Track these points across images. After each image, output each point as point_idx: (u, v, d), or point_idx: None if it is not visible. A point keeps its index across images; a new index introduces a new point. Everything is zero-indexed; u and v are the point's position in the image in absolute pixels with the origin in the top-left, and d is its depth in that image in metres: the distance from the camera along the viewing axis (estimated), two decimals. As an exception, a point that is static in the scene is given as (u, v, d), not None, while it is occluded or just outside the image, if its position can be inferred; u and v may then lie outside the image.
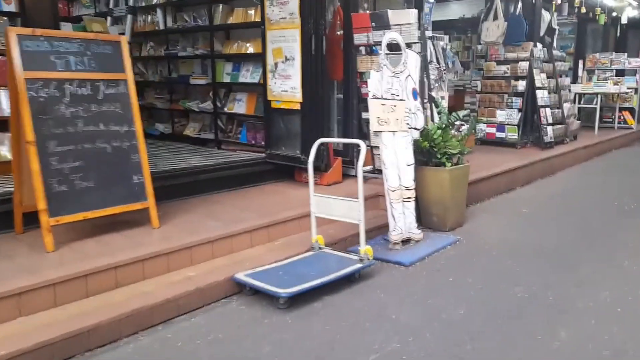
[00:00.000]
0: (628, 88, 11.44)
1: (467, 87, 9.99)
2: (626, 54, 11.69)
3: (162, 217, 3.98)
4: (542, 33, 9.41)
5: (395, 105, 4.51)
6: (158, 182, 4.08)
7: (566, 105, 9.30)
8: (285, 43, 5.27)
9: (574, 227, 5.12)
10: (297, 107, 5.24)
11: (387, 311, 3.29)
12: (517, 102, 8.57)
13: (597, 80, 11.49)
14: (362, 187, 3.71)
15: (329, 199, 3.92)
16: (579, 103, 10.92)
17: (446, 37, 7.80)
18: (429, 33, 7.45)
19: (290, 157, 5.28)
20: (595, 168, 8.46)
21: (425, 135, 4.96)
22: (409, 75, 4.69)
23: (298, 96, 5.21)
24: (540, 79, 8.54)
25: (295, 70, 5.22)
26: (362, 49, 6.27)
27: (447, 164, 4.98)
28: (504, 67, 8.76)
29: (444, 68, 7.52)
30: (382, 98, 4.46)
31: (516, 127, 8.50)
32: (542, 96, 8.48)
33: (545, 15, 9.41)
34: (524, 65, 8.51)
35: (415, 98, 4.75)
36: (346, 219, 3.82)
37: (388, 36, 4.60)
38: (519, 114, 8.51)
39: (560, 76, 9.56)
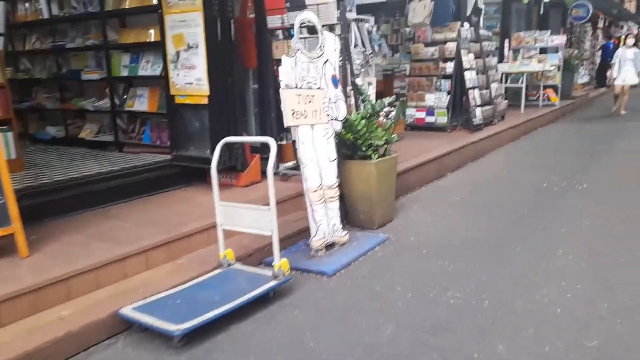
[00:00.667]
0: (551, 65, 11.47)
1: (396, 71, 9.62)
2: (549, 31, 11.70)
3: (36, 242, 3.30)
4: (468, 13, 9.14)
5: (312, 95, 4.00)
6: (37, 199, 3.40)
7: (494, 86, 9.12)
8: (187, 29, 4.61)
9: (505, 214, 4.82)
10: (204, 101, 4.61)
11: (303, 337, 2.80)
12: (446, 84, 8.28)
13: (523, 59, 11.45)
14: (273, 192, 3.18)
15: (236, 207, 3.37)
16: (506, 82, 10.83)
17: (372, 19, 7.34)
18: (353, 15, 6.98)
19: (199, 159, 4.66)
20: (523, 147, 8.33)
21: (349, 127, 4.48)
22: (328, 60, 4.18)
23: (205, 89, 4.59)
24: (467, 59, 8.27)
25: (200, 60, 4.58)
26: (279, 33, 5.72)
27: (373, 157, 4.53)
28: (432, 49, 8.43)
29: (370, 52, 7.07)
30: (296, 87, 3.92)
31: (445, 110, 8.22)
32: (470, 77, 8.23)
33: (471, -5, 9.15)
34: (452, 46, 8.21)
35: (335, 86, 4.26)
36: (256, 230, 3.29)
37: (301, 16, 4.06)
38: (448, 97, 8.22)
39: (487, 56, 9.36)
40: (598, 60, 16.74)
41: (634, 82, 10.79)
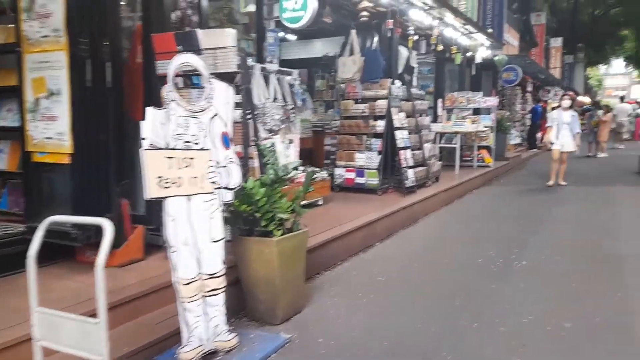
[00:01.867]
0: (485, 126, 11.16)
1: (326, 127, 8.92)
2: (482, 92, 11.47)
3: None
4: (400, 70, 8.65)
5: (192, 158, 3.07)
6: None
7: (427, 146, 8.54)
8: (49, 71, 3.63)
9: (436, 304, 3.96)
10: (66, 160, 3.60)
11: None
12: (377, 143, 7.59)
13: (456, 119, 11.08)
14: (104, 299, 2.18)
15: (56, 316, 2.32)
16: (440, 142, 10.35)
17: (295, 72, 6.61)
18: (274, 67, 6.23)
19: (56, 233, 3.58)
20: (458, 213, 7.67)
21: (245, 197, 3.57)
22: (217, 115, 3.29)
23: (66, 145, 3.58)
24: (399, 118, 7.66)
25: (62, 109, 3.59)
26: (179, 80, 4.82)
27: (276, 233, 3.61)
28: (362, 106, 7.77)
29: (292, 107, 6.29)
30: (167, 148, 2.99)
31: (376, 171, 7.49)
32: (401, 137, 7.59)
33: (403, 52, 8.69)
34: (383, 103, 7.59)
35: (226, 146, 3.35)
36: (81, 351, 2.24)
37: (179, 60, 3.18)
38: (379, 157, 7.52)
39: (420, 115, 8.83)
40: (528, 122, 16.89)
41: (571, 149, 9.70)
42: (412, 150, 7.93)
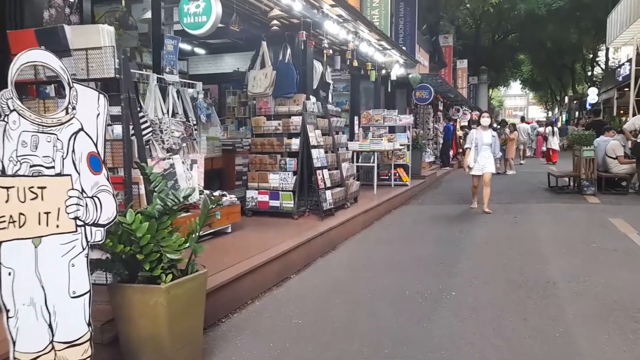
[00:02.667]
0: (401, 145, 10.99)
1: (237, 146, 8.22)
2: (397, 110, 11.32)
3: None
4: (315, 85, 8.19)
5: (42, 187, 2.30)
6: None
7: (345, 165, 8.10)
8: None
9: (360, 355, 3.39)
10: None
11: None
12: (292, 163, 7.02)
13: (373, 137, 10.81)
14: None
15: None
16: (357, 161, 10.00)
17: (199, 85, 5.90)
18: (173, 78, 5.48)
19: None
20: (378, 236, 7.24)
21: (124, 234, 2.82)
22: (81, 129, 2.54)
23: None
24: (315, 135, 7.14)
25: None
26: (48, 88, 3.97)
27: (164, 278, 2.89)
28: (275, 123, 7.19)
29: (194, 123, 5.56)
30: (3, 174, 2.20)
31: (291, 193, 6.90)
32: (318, 156, 7.07)
33: (318, 66, 8.24)
34: (297, 120, 7.04)
35: (96, 170, 2.61)
36: None
37: (24, 59, 2.40)
38: (294, 178, 6.94)
39: (337, 133, 8.40)
40: (441, 140, 17.17)
41: (492, 171, 8.75)
42: (330, 170, 7.44)
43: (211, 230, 5.51)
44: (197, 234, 3.23)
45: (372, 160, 9.94)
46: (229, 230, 5.90)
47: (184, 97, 5.47)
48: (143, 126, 4.67)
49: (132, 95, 3.41)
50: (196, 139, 5.61)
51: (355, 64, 9.19)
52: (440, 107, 18.17)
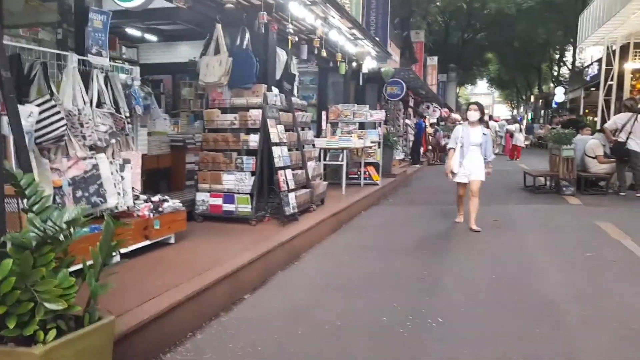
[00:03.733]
0: (372, 142, 10.19)
1: (188, 142, 7.26)
2: (367, 106, 10.51)
3: None
4: (278, 76, 7.29)
5: None
6: None
7: (311, 164, 7.24)
8: None
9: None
10: None
11: None
12: (250, 162, 6.11)
13: (342, 133, 9.98)
14: None
15: None
16: (325, 159, 9.15)
17: (136, 70, 4.94)
18: (102, 61, 4.51)
19: None
20: (347, 243, 6.40)
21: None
22: None
23: None
24: (277, 131, 6.26)
25: None
26: None
27: (41, 337, 1.97)
28: (231, 117, 6.26)
29: (127, 115, 4.60)
30: None
31: (249, 196, 6.00)
32: (280, 154, 6.18)
33: (281, 55, 7.33)
34: (256, 113, 6.14)
35: None
36: None
37: None
38: (253, 179, 6.04)
39: (303, 129, 7.54)
40: (411, 137, 16.49)
41: (481, 178, 6.90)
42: (293, 169, 6.57)
43: (147, 242, 4.58)
44: (99, 268, 2.31)
45: (340, 159, 9.11)
46: (172, 240, 4.96)
47: (114, 84, 4.50)
48: (54, 118, 3.71)
49: (6, 75, 2.45)
50: (130, 134, 4.65)
51: (324, 54, 8.33)
52: (411, 104, 17.50)
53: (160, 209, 4.71)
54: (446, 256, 5.60)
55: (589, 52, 31.75)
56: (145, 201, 4.70)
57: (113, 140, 4.36)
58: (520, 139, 21.73)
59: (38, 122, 3.63)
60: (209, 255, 4.62)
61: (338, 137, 9.31)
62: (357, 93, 11.89)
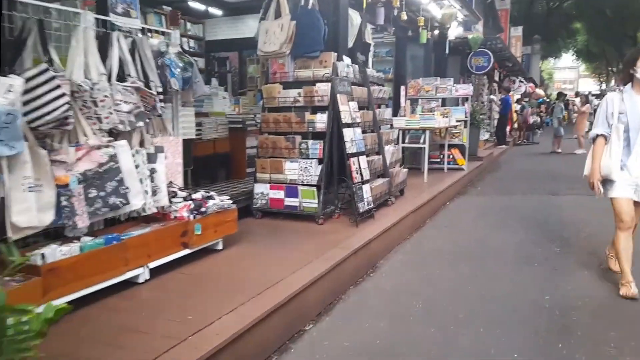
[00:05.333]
0: (457, 121, 8.70)
1: (249, 124, 6.21)
2: (452, 79, 8.99)
3: None
4: (350, 44, 6.02)
5: None
6: None
7: (389, 149, 5.96)
8: None
9: None
10: None
11: None
12: (316, 147, 4.95)
13: (422, 111, 8.58)
14: None
15: None
16: (403, 142, 7.81)
17: (173, 35, 3.87)
18: (133, 22, 3.50)
19: None
20: (434, 247, 5.10)
21: None
22: None
23: None
24: (349, 109, 5.02)
25: None
26: None
27: None
28: (294, 92, 5.10)
29: (159, 91, 3.55)
30: None
31: (315, 189, 4.85)
32: (352, 137, 4.96)
33: (354, 17, 6.03)
34: (324, 88, 4.93)
35: None
36: None
37: None
38: (319, 167, 4.88)
39: (380, 106, 6.27)
40: (495, 115, 14.62)
41: None
42: (368, 156, 5.34)
43: (187, 252, 3.56)
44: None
45: (422, 141, 7.73)
46: (219, 247, 3.92)
47: (142, 51, 3.45)
48: (53, 95, 2.71)
49: None
50: (164, 114, 3.60)
51: (404, 17, 6.94)
52: (496, 78, 15.55)
53: (203, 209, 3.66)
54: (565, 270, 4.18)
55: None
56: (185, 199, 3.67)
57: (140, 123, 3.33)
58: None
59: (32, 100, 2.65)
60: (263, 269, 3.54)
61: (419, 115, 7.91)
62: (438, 66, 10.33)
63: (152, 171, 3.43)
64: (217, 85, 8.34)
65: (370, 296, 3.72)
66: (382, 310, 3.45)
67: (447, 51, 9.55)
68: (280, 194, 4.98)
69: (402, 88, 8.62)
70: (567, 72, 64.84)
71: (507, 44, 20.13)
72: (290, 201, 4.94)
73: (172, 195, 3.63)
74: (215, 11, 9.24)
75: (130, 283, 3.16)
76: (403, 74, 9.53)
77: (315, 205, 4.83)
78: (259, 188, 5.08)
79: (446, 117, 8.20)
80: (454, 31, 9.08)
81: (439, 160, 8.79)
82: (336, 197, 5.15)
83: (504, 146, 14.27)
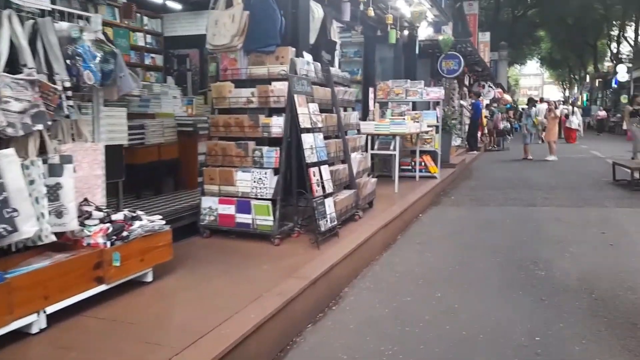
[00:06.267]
0: (428, 126, 8.15)
1: (201, 126, 5.48)
2: (422, 82, 8.45)
3: None
4: (312, 39, 5.38)
5: None
6: None
7: (356, 157, 5.33)
8: None
9: None
10: None
11: None
12: (272, 155, 4.27)
13: (392, 115, 8.00)
14: None
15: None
16: (372, 148, 7.20)
17: (94, 19, 3.13)
18: (37, 1, 2.74)
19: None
20: (407, 266, 4.48)
21: None
22: None
23: None
24: (308, 112, 4.37)
25: None
26: None
27: None
28: (246, 92, 4.41)
29: (67, 86, 2.81)
30: None
31: (270, 203, 4.17)
32: (313, 144, 4.30)
33: (316, 10, 5.39)
34: (280, 87, 4.27)
35: None
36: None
37: None
38: (275, 178, 4.21)
39: (346, 109, 5.64)
40: (467, 120, 14.18)
41: None
42: (332, 165, 4.70)
43: (103, 288, 2.83)
44: None
45: (392, 147, 7.13)
46: (149, 279, 3.19)
47: (45, 35, 2.71)
48: None
49: None
50: (71, 115, 2.86)
51: (371, 13, 6.37)
52: (466, 82, 15.19)
53: (124, 233, 2.94)
54: (558, 297, 3.62)
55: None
56: (102, 221, 2.93)
57: (39, 126, 2.59)
58: (573, 122, 19.01)
59: None
60: (198, 309, 2.85)
61: (389, 119, 7.32)
62: (408, 68, 9.79)
63: (57, 187, 2.70)
64: (173, 84, 7.61)
65: (330, 338, 3.05)
66: (344, 358, 2.79)
67: (417, 51, 8.98)
68: (230, 210, 4.28)
69: (371, 90, 8.03)
70: (532, 78, 66.00)
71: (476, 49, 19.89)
72: (242, 218, 4.24)
73: (86, 216, 2.90)
74: (174, 5, 8.49)
75: (20, 334, 2.41)
76: (372, 75, 8.95)
77: (271, 223, 4.15)
78: (207, 202, 4.36)
79: (417, 121, 7.64)
80: (424, 31, 8.56)
81: (410, 167, 8.22)
82: (296, 211, 4.48)
83: (475, 152, 13.88)
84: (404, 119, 7.44)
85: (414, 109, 8.54)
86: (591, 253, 4.79)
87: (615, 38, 35.52)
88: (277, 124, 4.24)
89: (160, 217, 3.30)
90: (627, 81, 29.31)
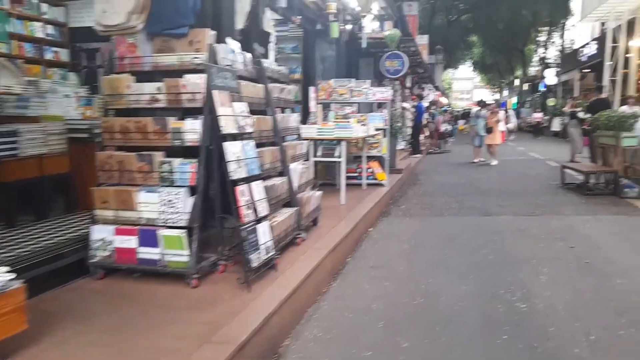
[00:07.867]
0: (376, 129, 7.34)
1: (98, 132, 4.32)
2: (369, 82, 7.64)
3: None
4: (240, 24, 4.38)
5: None
6: None
7: (296, 167, 4.37)
8: None
9: None
10: None
11: None
12: (187, 170, 3.23)
13: (336, 118, 7.13)
14: None
15: None
16: (315, 154, 6.28)
17: None
18: None
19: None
20: (361, 302, 3.58)
21: None
22: None
23: None
24: (233, 113, 3.37)
25: None
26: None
27: None
28: (151, 87, 3.35)
29: None
30: None
31: (184, 233, 3.13)
32: (240, 155, 3.30)
33: (243, -9, 4.39)
34: (196, 81, 3.24)
35: None
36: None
37: None
38: (191, 200, 3.17)
39: (283, 110, 4.68)
40: (409, 123, 13.59)
41: None
42: (267, 179, 3.72)
43: None
44: None
45: (337, 153, 6.24)
46: (-17, 367, 2.08)
47: None
48: None
49: None
50: None
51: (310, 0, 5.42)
52: (408, 84, 14.65)
53: None
54: (561, 356, 2.84)
55: (577, 32, 29.26)
56: None
57: None
58: (510, 124, 19.16)
59: None
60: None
61: (333, 122, 6.44)
62: (351, 67, 8.99)
63: None
64: (77, 81, 6.38)
65: None
66: None
67: (364, 45, 8.13)
68: (131, 242, 3.19)
69: (312, 90, 7.10)
70: (463, 82, 67.87)
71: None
72: (147, 252, 3.17)
73: None
74: (69, -9, 7.21)
75: None
76: (312, 73, 8.04)
77: (186, 259, 3.11)
78: (99, 233, 3.26)
79: (364, 124, 6.81)
80: (369, 25, 7.76)
81: (356, 174, 7.38)
82: (220, 238, 3.47)
83: (418, 155, 13.33)
84: (349, 122, 6.58)
85: (357, 110, 7.73)
86: (568, 274, 4.09)
87: (543, 43, 36.85)
88: (192, 129, 3.21)
89: (7, 269, 2.19)
90: (555, 84, 30.28)
